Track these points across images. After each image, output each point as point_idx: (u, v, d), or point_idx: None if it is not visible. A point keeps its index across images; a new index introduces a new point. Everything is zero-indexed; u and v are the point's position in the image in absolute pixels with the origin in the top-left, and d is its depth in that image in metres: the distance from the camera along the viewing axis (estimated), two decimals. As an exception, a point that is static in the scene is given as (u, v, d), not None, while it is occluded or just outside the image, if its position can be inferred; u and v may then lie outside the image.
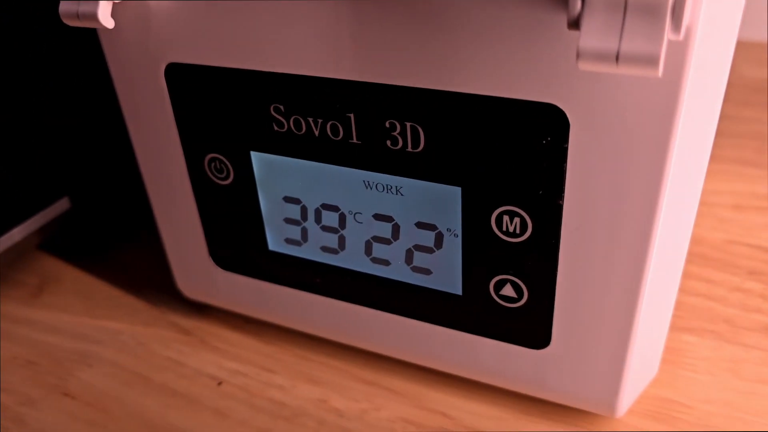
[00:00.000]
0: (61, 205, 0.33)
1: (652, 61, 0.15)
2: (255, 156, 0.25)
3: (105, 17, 0.22)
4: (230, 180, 0.26)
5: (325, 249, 0.26)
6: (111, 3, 0.22)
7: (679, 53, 0.17)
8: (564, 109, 0.19)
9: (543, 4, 0.17)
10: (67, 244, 0.38)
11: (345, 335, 0.28)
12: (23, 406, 0.29)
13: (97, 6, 0.22)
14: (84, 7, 0.22)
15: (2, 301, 0.34)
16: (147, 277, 0.35)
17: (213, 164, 0.26)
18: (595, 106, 0.18)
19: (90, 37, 0.26)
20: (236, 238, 0.27)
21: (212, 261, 0.29)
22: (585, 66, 0.16)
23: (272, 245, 0.27)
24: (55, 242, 0.37)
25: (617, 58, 0.15)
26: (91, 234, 0.38)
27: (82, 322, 0.33)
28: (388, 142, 0.22)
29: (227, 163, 0.25)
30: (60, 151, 0.33)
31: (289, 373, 0.29)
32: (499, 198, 0.21)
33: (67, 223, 0.34)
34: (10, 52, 0.30)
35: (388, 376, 0.28)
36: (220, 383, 0.29)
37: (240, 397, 0.28)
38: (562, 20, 0.17)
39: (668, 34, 0.15)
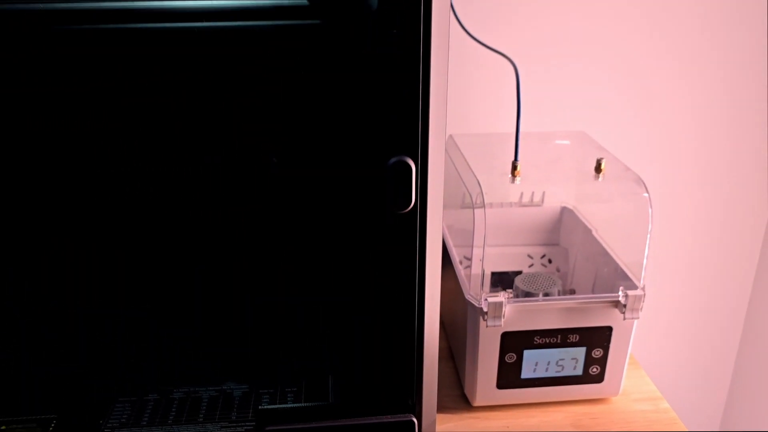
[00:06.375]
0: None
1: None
2: (526, 352, 0.86)
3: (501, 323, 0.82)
4: (513, 361, 0.86)
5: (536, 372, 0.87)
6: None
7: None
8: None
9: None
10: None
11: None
12: (457, 455, 0.83)
13: (501, 322, 0.81)
14: (494, 323, 0.81)
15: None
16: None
17: (507, 355, 0.86)
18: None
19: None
20: (510, 377, 0.87)
21: (496, 387, 0.87)
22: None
23: (523, 376, 0.87)
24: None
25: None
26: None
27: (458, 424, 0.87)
28: (568, 339, 0.86)
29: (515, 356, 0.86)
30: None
31: (525, 416, 0.89)
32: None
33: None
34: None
35: (542, 411, 0.90)
36: (507, 426, 0.87)
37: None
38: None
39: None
